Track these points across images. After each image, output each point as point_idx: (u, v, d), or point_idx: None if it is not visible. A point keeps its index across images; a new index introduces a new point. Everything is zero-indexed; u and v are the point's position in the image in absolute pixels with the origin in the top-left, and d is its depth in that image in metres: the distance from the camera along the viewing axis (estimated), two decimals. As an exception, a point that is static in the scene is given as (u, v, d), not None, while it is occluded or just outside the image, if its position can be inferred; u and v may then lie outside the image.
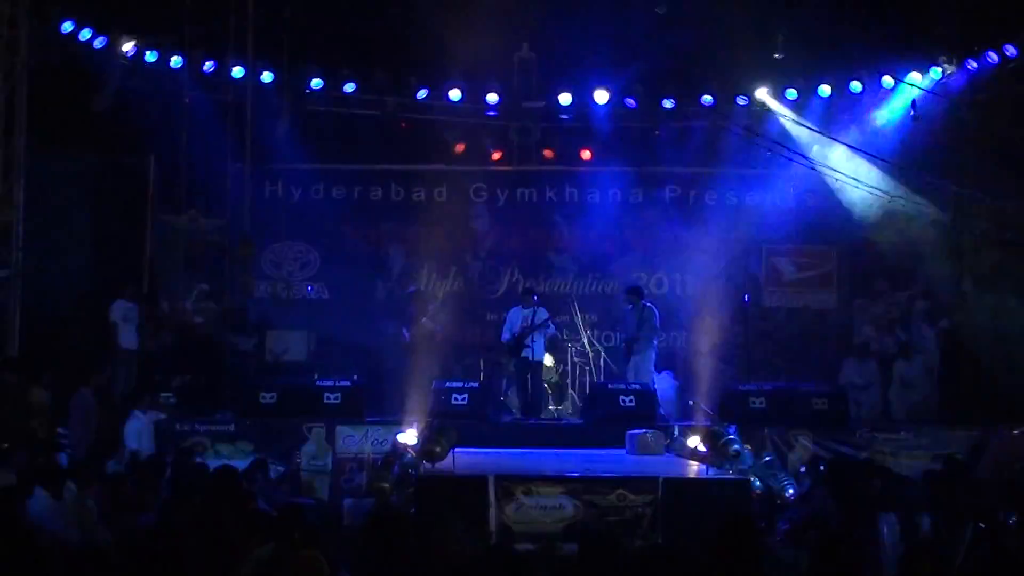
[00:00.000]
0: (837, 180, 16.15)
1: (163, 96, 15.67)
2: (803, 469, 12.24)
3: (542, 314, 14.35)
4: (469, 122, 17.22)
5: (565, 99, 16.82)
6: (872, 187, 15.56)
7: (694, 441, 11.60)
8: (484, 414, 13.30)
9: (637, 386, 13.63)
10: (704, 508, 9.09)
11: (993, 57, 15.19)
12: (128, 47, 15.45)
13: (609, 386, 13.89)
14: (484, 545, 7.89)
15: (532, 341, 14.14)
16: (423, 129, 17.09)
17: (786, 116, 16.45)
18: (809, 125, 16.20)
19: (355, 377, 13.96)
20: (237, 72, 15.76)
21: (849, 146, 15.97)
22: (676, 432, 12.54)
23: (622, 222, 17.37)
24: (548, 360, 14.95)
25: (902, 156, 15.43)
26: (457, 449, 10.51)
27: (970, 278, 16.24)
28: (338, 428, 12.84)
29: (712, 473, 10.32)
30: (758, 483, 10.80)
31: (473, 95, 16.83)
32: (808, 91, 16.46)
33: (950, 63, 15.41)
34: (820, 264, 17.47)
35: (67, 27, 14.79)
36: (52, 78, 14.51)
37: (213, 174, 15.86)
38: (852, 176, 15.74)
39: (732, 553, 5.47)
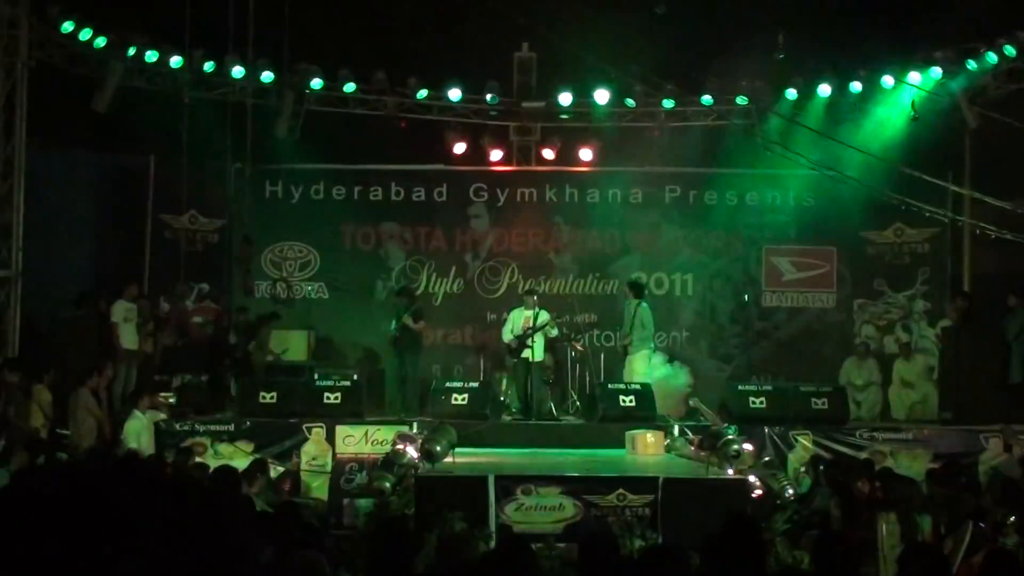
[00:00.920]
0: (837, 180, 16.13)
1: (163, 96, 15.68)
2: (803, 469, 12.25)
3: (544, 316, 14.35)
4: (469, 122, 17.24)
5: (565, 99, 16.84)
6: (872, 187, 15.55)
7: (694, 441, 11.61)
8: (484, 414, 13.31)
9: (637, 386, 13.63)
10: (704, 508, 9.08)
11: (993, 57, 15.19)
12: (128, 47, 15.44)
13: (609, 386, 13.89)
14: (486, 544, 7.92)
15: (532, 342, 14.16)
16: (423, 129, 17.11)
17: (786, 116, 16.43)
18: (809, 125, 16.18)
19: (355, 377, 13.93)
20: (237, 72, 15.77)
21: (849, 146, 15.94)
22: (676, 432, 12.53)
23: (622, 222, 17.38)
24: (548, 360, 14.96)
25: (902, 156, 15.42)
26: (457, 449, 10.52)
27: (970, 278, 16.26)
28: (338, 428, 12.83)
29: (712, 473, 10.32)
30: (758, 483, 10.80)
31: (473, 95, 16.85)
32: (808, 91, 16.46)
33: (950, 63, 15.40)
34: (820, 264, 17.47)
35: (67, 27, 14.78)
36: (52, 78, 14.52)
37: (213, 174, 15.87)
38: (852, 176, 15.73)
39: (732, 553, 5.46)
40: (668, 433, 12.41)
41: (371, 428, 12.84)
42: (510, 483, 9.63)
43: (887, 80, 15.90)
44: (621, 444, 12.24)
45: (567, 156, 17.41)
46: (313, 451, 12.79)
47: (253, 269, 16.48)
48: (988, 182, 14.58)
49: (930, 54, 15.52)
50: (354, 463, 12.59)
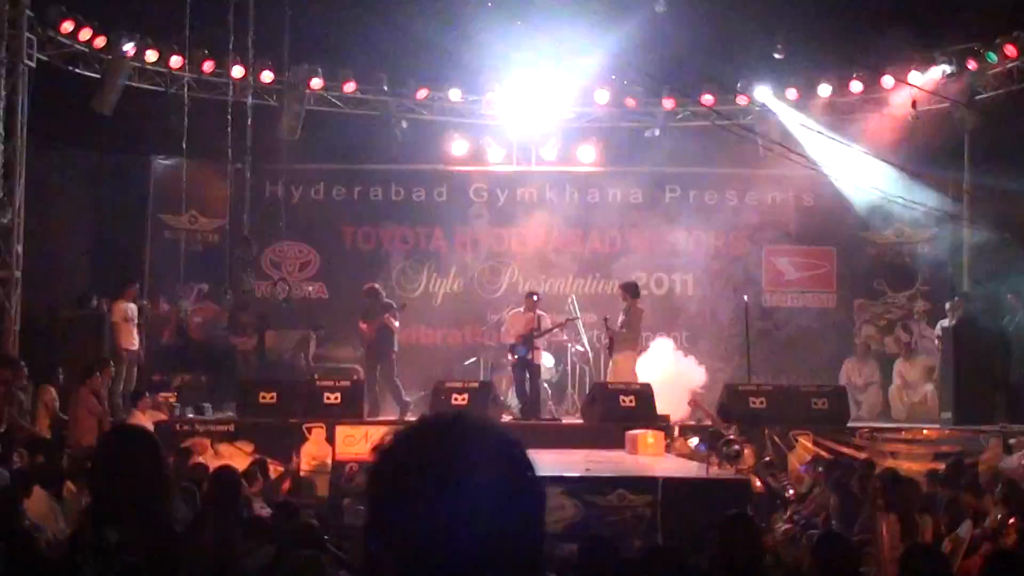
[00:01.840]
0: (837, 180, 16.15)
1: (163, 96, 15.69)
2: (803, 469, 12.24)
3: (546, 321, 14.35)
4: (469, 122, 17.24)
5: (565, 99, 16.82)
6: (872, 187, 15.56)
7: (694, 441, 11.61)
8: (484, 414, 13.28)
9: (637, 386, 13.61)
10: (704, 508, 9.07)
11: (993, 57, 15.19)
12: (128, 47, 15.45)
13: (609, 386, 13.88)
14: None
15: (546, 343, 14.18)
16: (423, 129, 17.11)
17: (786, 116, 16.45)
18: (809, 125, 16.19)
19: (355, 377, 13.92)
20: (237, 72, 15.77)
21: (849, 146, 15.96)
22: (676, 432, 12.53)
23: (622, 222, 17.38)
24: (548, 360, 14.96)
25: (902, 156, 15.43)
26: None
27: (970, 278, 16.25)
28: (338, 428, 12.83)
29: (712, 473, 10.32)
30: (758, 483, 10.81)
31: (473, 95, 16.84)
32: (808, 91, 16.46)
33: (950, 63, 15.40)
34: (820, 264, 17.47)
35: (67, 27, 14.78)
36: (52, 78, 14.51)
37: (213, 174, 15.86)
38: (852, 176, 15.75)
39: (732, 553, 5.47)
40: (668, 433, 12.42)
41: (371, 428, 12.85)
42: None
43: (887, 80, 15.90)
44: (621, 444, 12.24)
45: (567, 156, 17.42)
46: (313, 451, 12.79)
47: (252, 269, 16.48)
48: (988, 181, 14.60)
49: (930, 54, 15.53)
50: (354, 463, 12.59)
